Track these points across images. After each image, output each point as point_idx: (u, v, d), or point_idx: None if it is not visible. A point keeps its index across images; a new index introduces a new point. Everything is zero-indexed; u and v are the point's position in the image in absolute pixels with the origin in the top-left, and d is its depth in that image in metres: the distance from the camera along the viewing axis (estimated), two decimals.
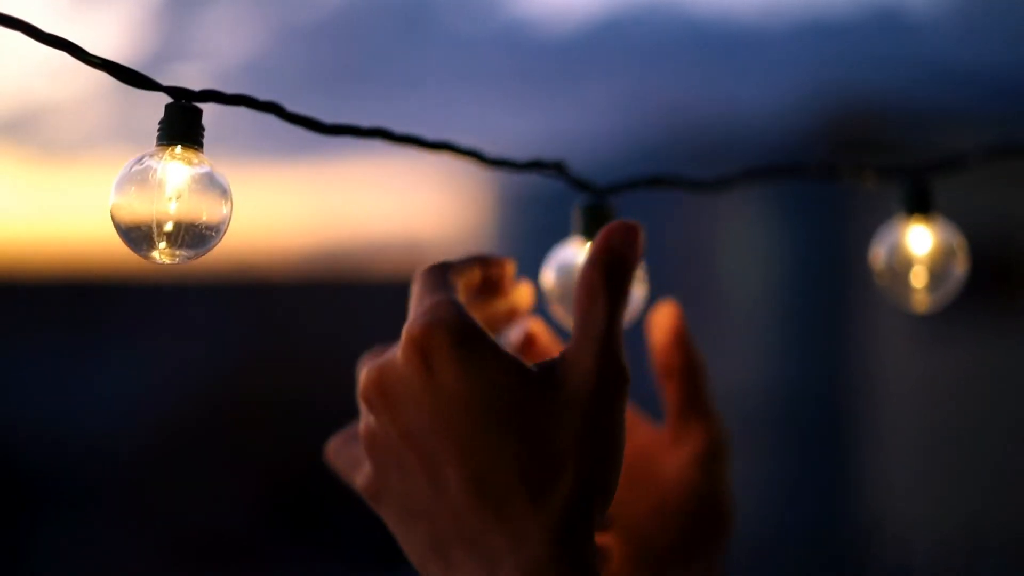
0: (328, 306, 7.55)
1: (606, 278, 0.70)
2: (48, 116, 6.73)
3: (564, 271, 0.90)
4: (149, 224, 0.66)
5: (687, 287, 5.30)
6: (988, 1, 6.17)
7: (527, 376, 0.67)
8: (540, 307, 0.89)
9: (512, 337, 0.89)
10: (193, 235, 0.66)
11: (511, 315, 0.86)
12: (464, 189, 5.78)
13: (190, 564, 6.32)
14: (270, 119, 0.74)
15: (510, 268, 0.83)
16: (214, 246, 0.67)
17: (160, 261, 0.66)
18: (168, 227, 0.66)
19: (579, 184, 0.89)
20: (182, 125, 0.68)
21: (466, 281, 0.77)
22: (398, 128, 0.80)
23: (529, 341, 0.89)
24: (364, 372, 0.70)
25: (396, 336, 0.69)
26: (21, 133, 6.81)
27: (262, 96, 0.72)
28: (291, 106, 0.74)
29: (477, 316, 0.74)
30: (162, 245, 0.66)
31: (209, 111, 0.69)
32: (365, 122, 0.77)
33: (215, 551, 6.40)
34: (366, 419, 0.71)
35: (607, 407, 0.68)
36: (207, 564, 6.35)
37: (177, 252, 0.66)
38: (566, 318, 0.90)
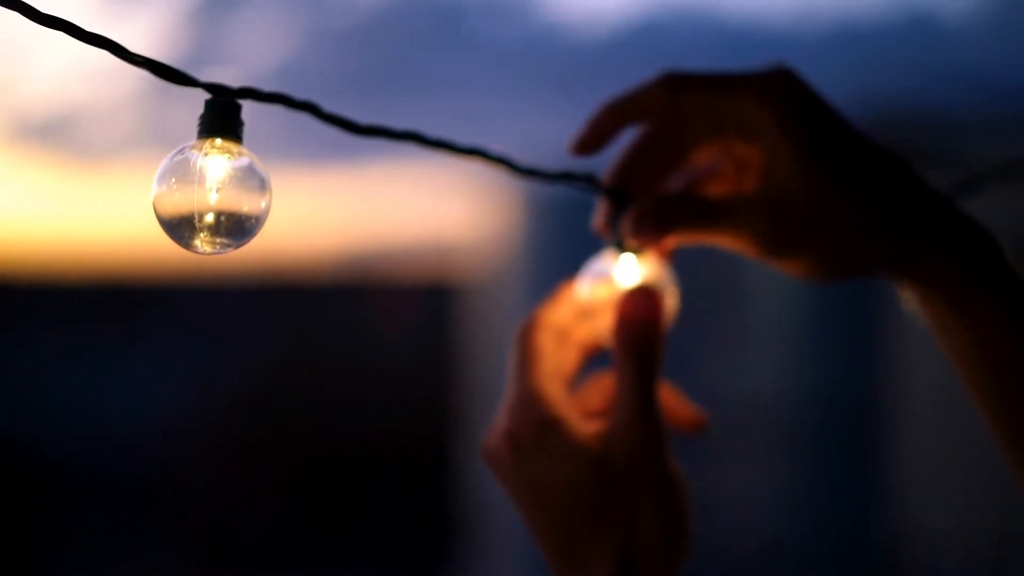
0: (358, 309, 7.57)
1: (627, 352, 0.80)
2: (81, 120, 6.78)
3: (598, 284, 0.89)
4: (190, 214, 0.67)
5: (714, 291, 5.30)
6: None
7: (590, 460, 0.80)
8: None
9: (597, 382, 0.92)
10: (233, 224, 0.67)
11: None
12: (494, 194, 5.79)
13: (216, 564, 6.35)
14: (302, 125, 0.75)
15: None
16: (254, 236, 0.68)
17: (201, 250, 0.67)
18: (209, 217, 0.67)
19: (611, 195, 0.89)
20: (222, 118, 0.68)
21: (560, 317, 0.88)
22: (431, 132, 0.81)
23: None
24: (484, 438, 0.86)
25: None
26: (54, 137, 6.86)
27: (298, 97, 0.73)
28: (324, 110, 0.75)
29: (579, 335, 0.88)
30: (203, 234, 0.67)
31: (244, 116, 0.70)
32: (398, 126, 0.78)
33: (241, 552, 6.43)
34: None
35: (645, 472, 0.79)
36: (234, 565, 6.38)
37: (218, 240, 0.67)
38: (600, 335, 0.90)
